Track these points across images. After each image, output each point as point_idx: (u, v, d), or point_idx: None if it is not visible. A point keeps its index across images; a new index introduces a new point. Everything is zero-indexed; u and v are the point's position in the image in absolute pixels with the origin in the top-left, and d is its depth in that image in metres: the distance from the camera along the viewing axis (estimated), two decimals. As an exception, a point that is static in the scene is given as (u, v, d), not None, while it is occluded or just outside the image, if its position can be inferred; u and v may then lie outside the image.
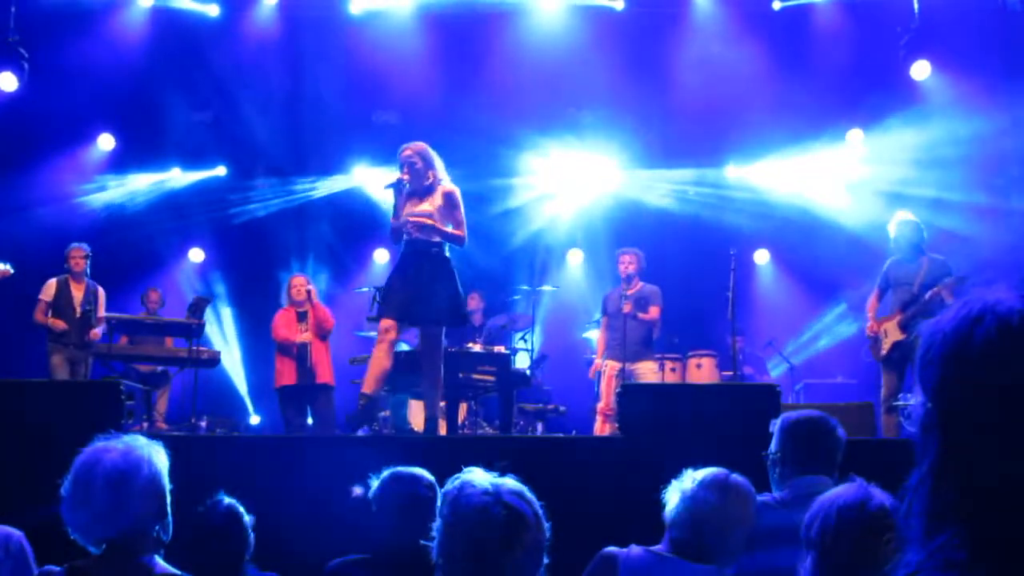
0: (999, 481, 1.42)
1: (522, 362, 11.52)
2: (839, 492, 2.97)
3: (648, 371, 11.25)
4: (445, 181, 8.65)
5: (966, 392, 1.46)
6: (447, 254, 8.61)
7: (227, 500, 4.31)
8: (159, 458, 3.29)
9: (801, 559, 3.03)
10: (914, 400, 1.57)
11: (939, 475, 1.48)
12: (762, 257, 14.84)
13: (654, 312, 11.28)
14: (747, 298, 13.91)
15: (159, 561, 3.27)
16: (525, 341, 11.89)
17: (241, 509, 4.29)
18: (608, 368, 11.29)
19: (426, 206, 8.48)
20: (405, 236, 8.49)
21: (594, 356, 11.85)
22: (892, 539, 1.55)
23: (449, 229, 8.52)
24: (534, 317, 12.42)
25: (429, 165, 8.62)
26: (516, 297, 12.89)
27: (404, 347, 11.35)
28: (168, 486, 3.30)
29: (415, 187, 8.59)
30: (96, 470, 3.16)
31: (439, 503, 2.65)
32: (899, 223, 10.18)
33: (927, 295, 9.56)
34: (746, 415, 6.55)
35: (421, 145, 8.72)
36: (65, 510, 3.20)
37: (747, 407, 6.88)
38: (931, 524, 1.47)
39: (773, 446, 4.34)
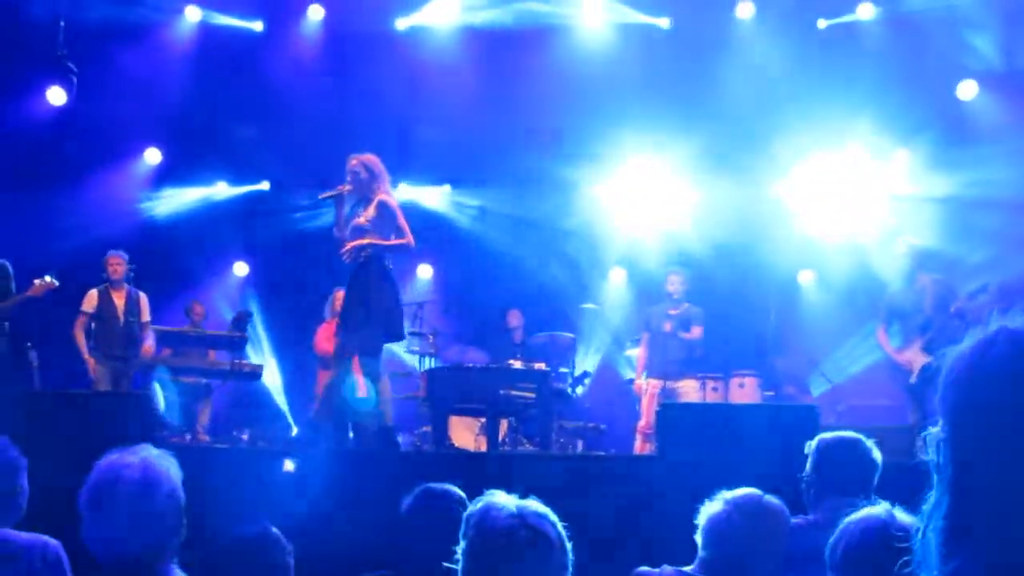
0: (1013, 504, 1.43)
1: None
2: (864, 515, 2.96)
3: (690, 390, 11.22)
4: (383, 192, 8.64)
5: (979, 413, 1.47)
6: (388, 266, 8.59)
7: (270, 529, 4.26)
8: (175, 471, 3.31)
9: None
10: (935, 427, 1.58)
11: (954, 498, 1.49)
12: (806, 277, 14.72)
13: (697, 332, 11.27)
14: (791, 318, 13.82)
15: (177, 571, 3.30)
16: (567, 360, 11.89)
17: (283, 541, 4.26)
18: (649, 386, 11.27)
19: (362, 220, 8.52)
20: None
21: (635, 374, 11.83)
22: (908, 562, 1.55)
23: (390, 242, 8.52)
24: (575, 335, 12.43)
25: (373, 177, 8.63)
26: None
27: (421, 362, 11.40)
28: (183, 498, 3.33)
29: (361, 199, 8.62)
30: (117, 487, 3.18)
31: (463, 526, 2.66)
32: (895, 254, 10.20)
33: (954, 308, 9.54)
34: (784, 436, 6.52)
35: (369, 157, 8.75)
36: (86, 526, 3.22)
37: (786, 428, 6.86)
38: (946, 548, 1.48)
39: (807, 468, 4.33)
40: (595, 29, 14.48)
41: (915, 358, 9.72)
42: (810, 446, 4.41)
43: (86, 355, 10.85)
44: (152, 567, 3.20)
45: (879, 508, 2.98)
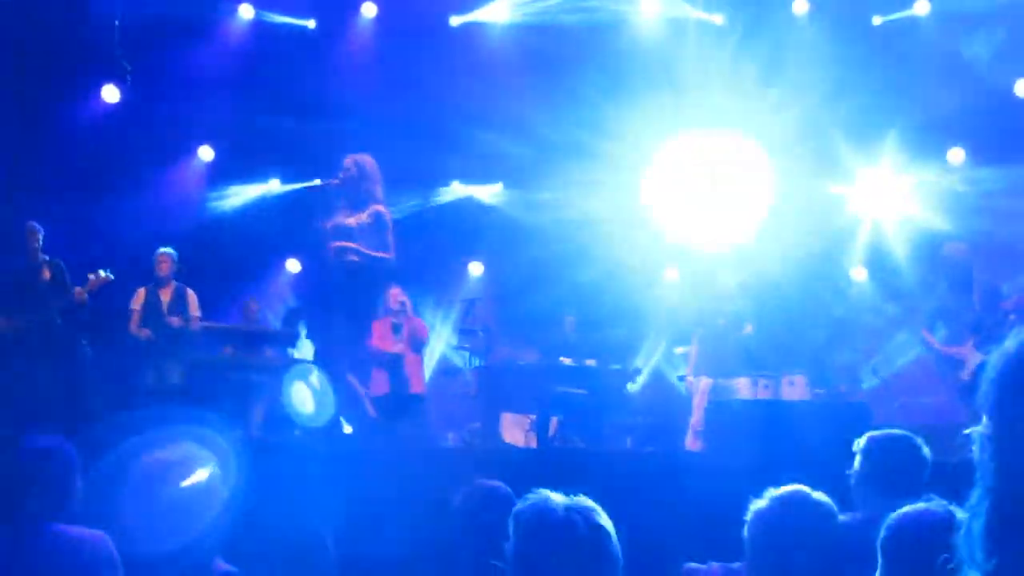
0: None
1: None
2: (911, 510, 2.96)
3: (741, 387, 11.17)
4: (378, 201, 8.62)
5: (1019, 410, 1.47)
6: (372, 275, 8.59)
7: (315, 528, 4.31)
8: (215, 466, 3.34)
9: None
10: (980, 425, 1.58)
11: (996, 495, 1.49)
12: (859, 274, 14.62)
13: (749, 330, 11.23)
14: (845, 316, 13.73)
15: (219, 561, 3.34)
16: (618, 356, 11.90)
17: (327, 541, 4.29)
18: (701, 383, 11.23)
19: (351, 220, 8.50)
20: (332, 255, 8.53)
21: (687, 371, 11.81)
22: (950, 559, 1.55)
23: (376, 253, 8.51)
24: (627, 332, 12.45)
25: (364, 178, 8.62)
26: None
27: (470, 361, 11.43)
28: (226, 493, 3.35)
29: (348, 197, 8.61)
30: (163, 482, 3.22)
31: (512, 524, 2.66)
32: (949, 254, 10.14)
33: (1004, 305, 9.49)
34: (835, 433, 6.49)
35: (365, 157, 8.76)
36: (132, 520, 3.25)
37: (836, 425, 6.84)
38: (989, 544, 1.48)
39: (856, 466, 4.31)
40: (649, 25, 14.45)
41: (970, 356, 9.67)
42: (859, 444, 4.40)
43: (138, 333, 10.94)
44: (196, 560, 3.23)
45: (930, 504, 2.97)
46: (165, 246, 11.45)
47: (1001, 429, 1.51)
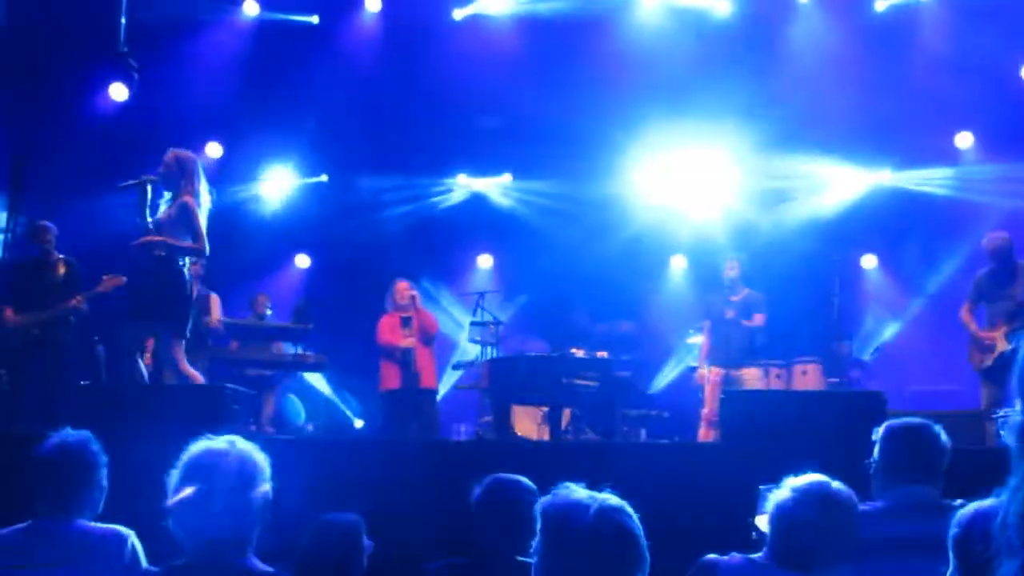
0: None
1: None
2: (981, 505, 2.93)
3: (753, 377, 11.18)
4: (188, 193, 8.59)
5: None
6: (181, 263, 8.52)
7: (351, 517, 4.30)
8: (264, 462, 3.37)
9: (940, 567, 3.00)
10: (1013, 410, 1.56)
11: None
12: (869, 262, 14.61)
13: (759, 319, 11.23)
14: (854, 303, 13.75)
15: (256, 562, 3.34)
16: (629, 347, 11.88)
17: (363, 534, 4.28)
18: (712, 374, 11.22)
19: (162, 215, 8.51)
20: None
21: (697, 362, 11.79)
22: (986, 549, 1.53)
23: (185, 243, 8.48)
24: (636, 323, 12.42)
25: (183, 174, 8.60)
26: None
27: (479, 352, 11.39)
28: (270, 490, 3.38)
29: (171, 193, 8.62)
30: (215, 474, 3.23)
31: (539, 520, 2.64)
32: (994, 236, 10.18)
33: None
34: (850, 422, 6.47)
35: (185, 153, 8.74)
36: (178, 511, 3.25)
37: (851, 414, 6.82)
38: None
39: (874, 454, 4.29)
40: (653, 14, 14.43)
41: (999, 342, 9.74)
42: (878, 432, 4.38)
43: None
44: (236, 555, 3.24)
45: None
46: None
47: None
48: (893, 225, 14.24)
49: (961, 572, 3.00)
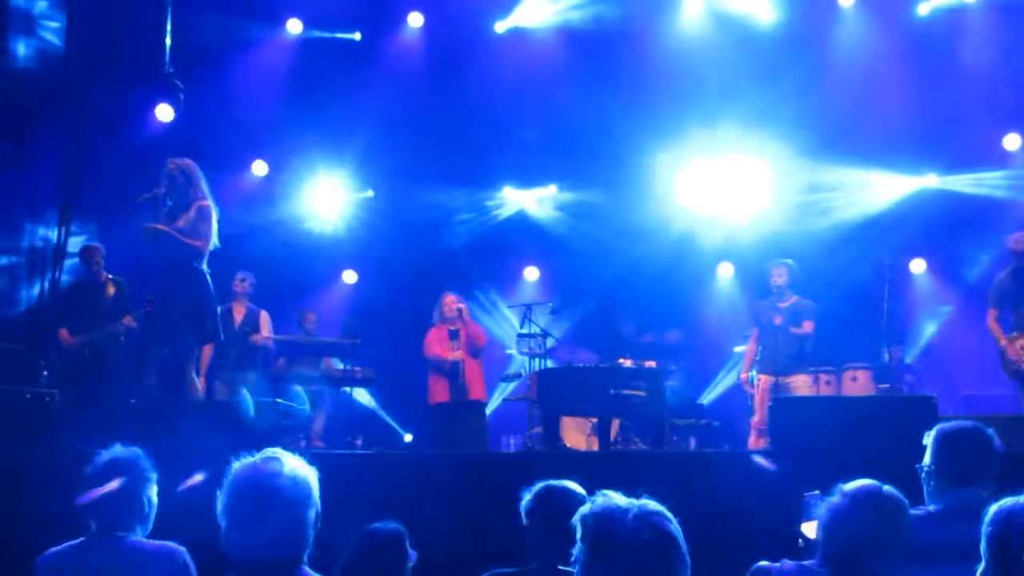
0: None
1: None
2: (1013, 502, 2.91)
3: (802, 384, 11.09)
4: (202, 199, 8.64)
5: None
6: (202, 268, 8.64)
7: (395, 527, 4.31)
8: (314, 477, 3.37)
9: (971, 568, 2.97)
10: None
11: None
12: (918, 266, 14.48)
13: (808, 327, 11.13)
14: (904, 308, 13.64)
15: (309, 571, 3.34)
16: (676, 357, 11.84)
17: (407, 543, 4.28)
18: (761, 382, 11.16)
19: (180, 223, 8.53)
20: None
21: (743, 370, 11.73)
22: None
23: (193, 241, 8.57)
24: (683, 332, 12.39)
25: (190, 183, 8.64)
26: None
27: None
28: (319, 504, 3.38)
29: (177, 203, 8.64)
30: (267, 493, 3.22)
31: (579, 528, 2.64)
32: (1021, 236, 10.13)
33: None
34: (900, 427, 6.43)
35: (186, 162, 8.76)
36: (231, 530, 3.24)
37: (901, 419, 6.77)
38: None
39: (926, 459, 4.25)
40: (695, 22, 14.41)
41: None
42: (929, 436, 4.33)
43: (201, 375, 11.02)
44: (290, 570, 3.24)
45: None
46: (237, 263, 11.66)
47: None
48: (942, 229, 14.12)
49: (995, 570, 2.97)
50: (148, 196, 8.80)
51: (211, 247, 8.76)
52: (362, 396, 13.97)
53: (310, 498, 3.31)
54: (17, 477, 7.30)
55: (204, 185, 8.79)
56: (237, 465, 3.34)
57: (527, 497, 4.36)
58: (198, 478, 3.53)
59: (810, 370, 11.31)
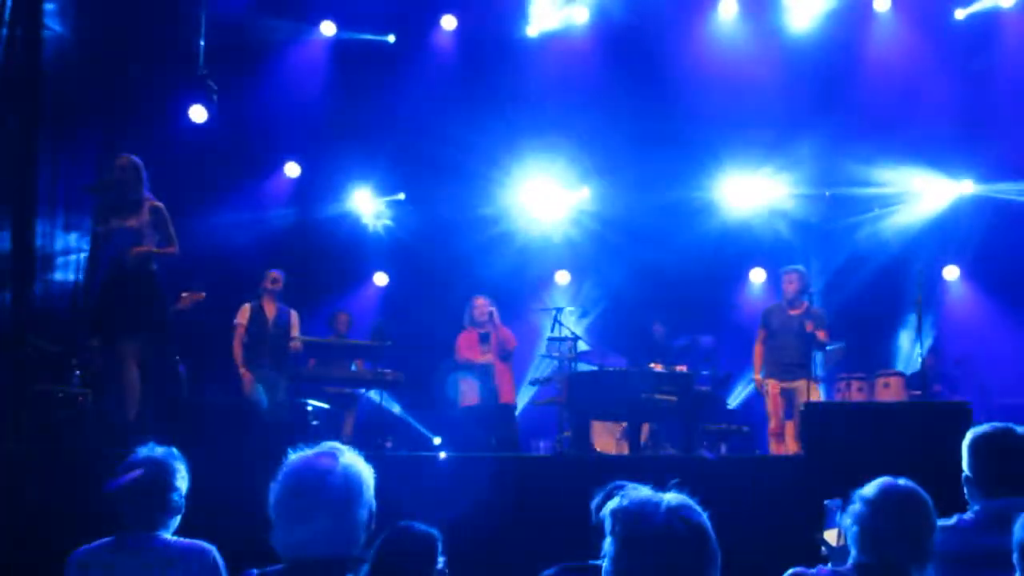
0: None
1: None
2: None
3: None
4: (152, 199, 8.65)
5: None
6: (152, 268, 8.64)
7: (429, 529, 4.26)
8: (370, 474, 3.25)
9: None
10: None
11: None
12: (951, 273, 14.39)
13: (822, 335, 10.99)
14: (937, 315, 13.57)
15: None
16: (709, 361, 11.79)
17: (437, 546, 4.25)
18: (770, 387, 11.04)
19: (132, 222, 8.50)
20: (113, 253, 8.55)
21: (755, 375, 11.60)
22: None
23: (160, 250, 8.59)
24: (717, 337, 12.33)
25: (140, 178, 8.64)
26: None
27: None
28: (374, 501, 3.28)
29: (122, 199, 8.62)
30: (316, 488, 3.09)
31: (608, 521, 2.62)
32: None
33: None
34: (933, 435, 6.39)
35: (135, 159, 8.75)
36: (278, 525, 3.15)
37: (934, 426, 6.73)
38: None
39: (965, 465, 4.17)
40: (729, 27, 14.39)
41: None
42: (966, 441, 4.25)
43: (242, 368, 11.06)
44: (336, 571, 3.13)
45: None
46: (269, 263, 11.69)
47: None
48: (976, 236, 14.02)
49: None
50: (93, 186, 8.87)
51: None
52: (403, 396, 14.00)
53: (362, 496, 3.16)
54: (50, 476, 7.36)
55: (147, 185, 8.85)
56: (293, 457, 3.24)
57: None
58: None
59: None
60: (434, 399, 12.81)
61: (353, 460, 3.23)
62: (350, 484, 3.15)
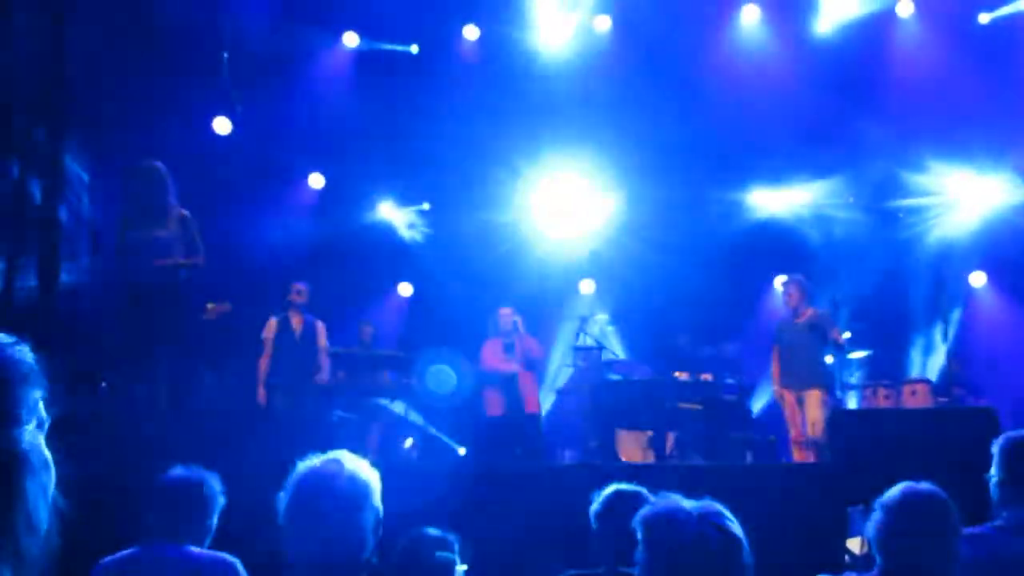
0: None
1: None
2: None
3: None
4: (179, 205, 8.60)
5: None
6: (179, 279, 8.64)
7: (433, 532, 4.27)
8: (375, 479, 3.29)
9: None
10: None
11: None
12: (978, 279, 14.32)
13: (836, 335, 10.87)
14: (963, 321, 13.48)
15: None
16: (734, 370, 11.76)
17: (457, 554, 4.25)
18: (786, 396, 10.96)
19: (161, 232, 8.44)
20: (140, 263, 8.52)
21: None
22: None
23: (186, 261, 8.57)
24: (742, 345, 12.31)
25: (165, 187, 8.57)
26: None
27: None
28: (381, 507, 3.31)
29: (148, 206, 8.57)
30: (324, 494, 3.13)
31: (640, 530, 2.61)
32: None
33: None
34: (961, 441, 6.35)
35: (160, 165, 8.68)
36: (289, 531, 3.18)
37: (961, 433, 6.69)
38: None
39: (993, 470, 4.13)
40: (752, 33, 14.39)
41: None
42: (995, 447, 4.19)
43: (261, 386, 11.02)
44: (353, 573, 3.16)
45: None
46: (293, 275, 11.70)
47: None
48: (1002, 242, 13.94)
49: None
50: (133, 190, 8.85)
51: None
52: (428, 404, 13.99)
53: (368, 501, 3.22)
54: (74, 491, 7.38)
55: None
56: (301, 466, 3.28)
57: (596, 501, 4.35)
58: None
59: (867, 383, 11.13)
60: (458, 409, 12.83)
61: (359, 466, 3.25)
62: (356, 489, 3.18)
